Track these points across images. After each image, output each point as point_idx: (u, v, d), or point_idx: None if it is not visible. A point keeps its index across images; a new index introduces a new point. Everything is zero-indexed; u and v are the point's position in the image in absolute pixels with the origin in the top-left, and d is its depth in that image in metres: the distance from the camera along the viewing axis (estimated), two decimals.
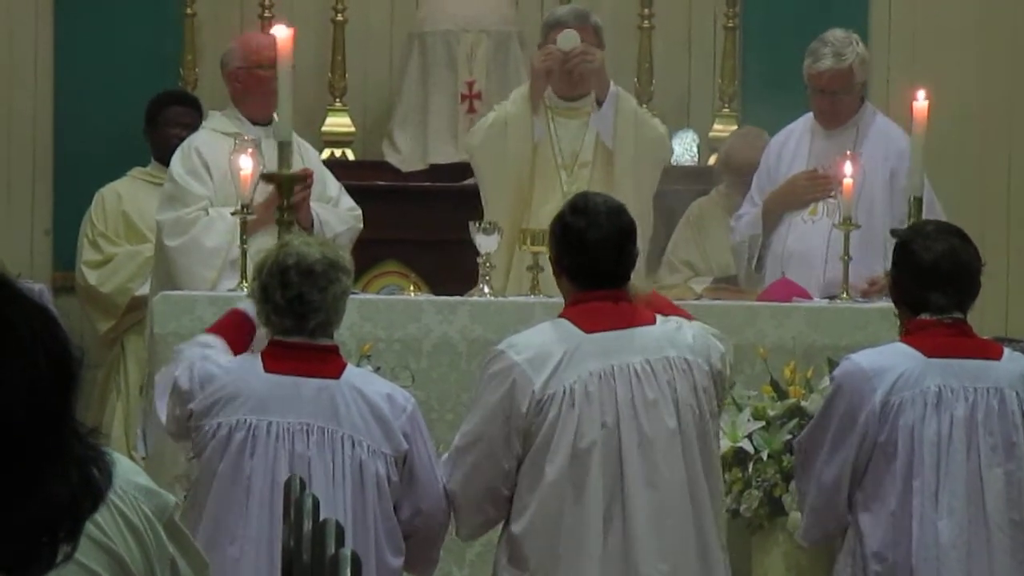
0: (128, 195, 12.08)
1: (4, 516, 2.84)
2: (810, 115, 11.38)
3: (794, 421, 9.38)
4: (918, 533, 7.76)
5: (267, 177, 9.69)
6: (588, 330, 7.74)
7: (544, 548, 7.70)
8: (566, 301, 7.96)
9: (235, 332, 8.06)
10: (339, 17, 13.39)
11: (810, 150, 11.22)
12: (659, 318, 8.06)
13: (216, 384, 7.82)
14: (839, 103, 11.15)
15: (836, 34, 11.36)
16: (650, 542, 7.67)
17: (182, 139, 11.48)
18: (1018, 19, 13.80)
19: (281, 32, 10.17)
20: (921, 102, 9.86)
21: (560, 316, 7.91)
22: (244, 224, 9.59)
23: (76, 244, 12.25)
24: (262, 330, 8.04)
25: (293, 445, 7.63)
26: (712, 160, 12.93)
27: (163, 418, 8.13)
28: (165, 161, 11.49)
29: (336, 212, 10.39)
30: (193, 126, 11.79)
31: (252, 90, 10.84)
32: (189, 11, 13.39)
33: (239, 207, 9.75)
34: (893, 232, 9.43)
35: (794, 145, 11.41)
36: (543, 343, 7.79)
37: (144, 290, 10.94)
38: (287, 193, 9.63)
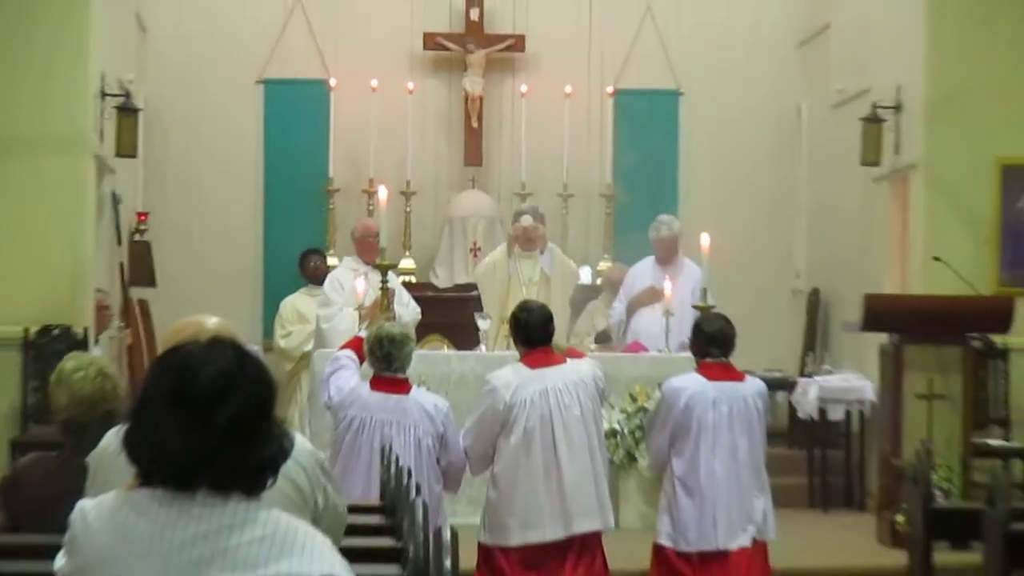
0: (298, 301, 12.06)
1: (246, 464, 3.01)
2: (651, 257, 11.32)
3: (641, 414, 9.41)
4: (704, 469, 7.77)
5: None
6: (532, 367, 7.77)
7: (509, 479, 7.69)
8: (520, 354, 7.95)
9: (358, 347, 8.07)
10: (408, 209, 13.31)
11: (652, 276, 11.13)
12: (568, 360, 8.10)
13: (347, 396, 7.84)
14: (670, 253, 11.13)
15: (664, 217, 11.40)
16: (569, 474, 7.67)
17: (318, 270, 12.03)
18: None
19: (382, 192, 10.27)
20: (706, 241, 9.85)
21: (518, 361, 7.90)
22: (359, 317, 9.64)
23: (272, 326, 12.22)
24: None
25: (383, 430, 7.60)
26: (599, 282, 12.91)
27: (323, 396, 8.17)
28: (315, 282, 11.74)
29: (407, 310, 10.41)
30: (321, 265, 12.28)
31: (365, 248, 10.87)
32: (330, 207, 13.35)
33: (357, 307, 9.80)
34: (694, 306, 9.59)
35: (643, 273, 11.35)
36: (510, 375, 7.79)
37: (308, 348, 10.92)
38: (386, 297, 9.73)
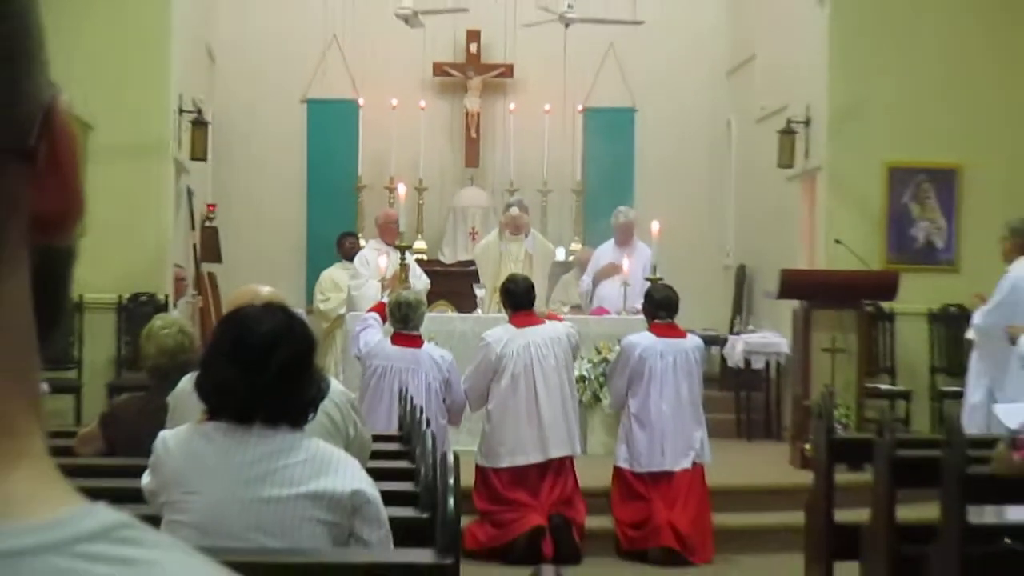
0: (334, 273, 11.75)
1: (292, 402, 3.01)
2: (612, 240, 11.18)
3: (604, 364, 9.26)
4: (654, 407, 7.75)
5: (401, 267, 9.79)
6: (518, 326, 7.77)
7: (499, 415, 7.71)
8: (508, 316, 7.93)
9: (382, 311, 8.02)
10: (420, 201, 13.15)
11: (612, 254, 11.01)
12: (546, 321, 8.12)
13: (372, 348, 7.82)
14: (627, 236, 10.98)
15: (622, 208, 11.24)
16: (547, 411, 7.67)
17: (352, 249, 11.60)
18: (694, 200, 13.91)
19: (400, 188, 10.46)
20: (655, 227, 9.83)
21: (507, 322, 7.90)
22: (382, 286, 9.59)
23: (313, 293, 12.01)
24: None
25: (401, 376, 7.55)
26: (571, 259, 12.69)
27: (354, 349, 8.20)
28: (348, 259, 11.39)
29: (420, 281, 10.20)
30: (355, 245, 11.82)
31: (386, 231, 10.68)
32: (359, 200, 13.29)
33: (380, 279, 9.77)
34: (646, 278, 9.52)
35: (605, 252, 11.22)
36: (500, 333, 7.78)
37: (342, 311, 10.72)
38: (403, 271, 9.72)
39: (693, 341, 8.12)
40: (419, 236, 13.24)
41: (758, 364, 11.17)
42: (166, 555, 0.56)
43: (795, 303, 9.79)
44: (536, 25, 13.15)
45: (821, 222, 10.84)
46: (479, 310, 10.24)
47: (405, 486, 4.13)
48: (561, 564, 6.66)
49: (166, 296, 10.36)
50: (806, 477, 7.50)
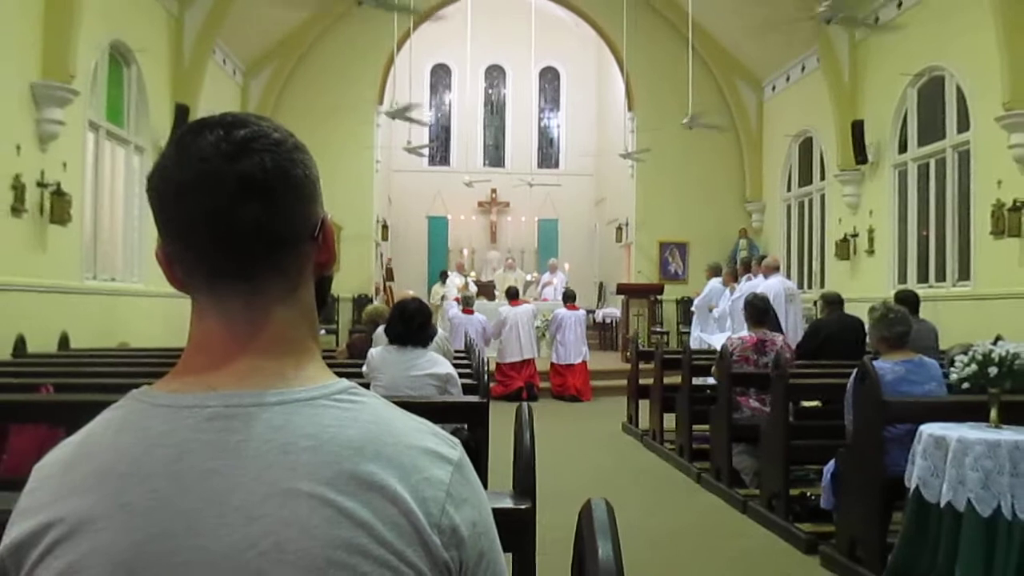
0: (437, 287, 11.18)
1: (423, 336, 2.88)
2: (548, 271, 10.87)
3: (547, 322, 8.81)
4: (567, 338, 7.54)
5: (464, 284, 9.54)
6: (513, 306, 7.62)
7: (505, 341, 7.54)
8: (508, 302, 7.74)
9: (458, 299, 7.84)
10: (472, 257, 12.73)
11: (548, 277, 10.66)
12: (524, 304, 7.94)
13: (454, 316, 7.63)
14: (555, 270, 10.67)
15: (552, 258, 11.02)
16: (524, 339, 7.50)
17: (445, 276, 10.92)
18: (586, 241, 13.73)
19: (465, 252, 10.13)
20: (567, 266, 9.69)
21: (508, 304, 7.76)
22: (458, 290, 9.36)
23: (430, 293, 11.55)
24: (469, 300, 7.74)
25: (466, 327, 7.33)
26: (532, 280, 12.25)
27: (447, 315, 7.95)
28: (443, 281, 10.84)
29: (473, 287, 9.88)
30: (447, 274, 11.12)
31: (460, 269, 10.52)
32: (448, 256, 13.03)
33: (457, 287, 9.59)
34: (565, 287, 9.12)
35: (546, 276, 10.85)
36: (506, 309, 7.62)
37: (442, 302, 10.37)
38: (466, 285, 9.52)
39: (582, 311, 7.99)
40: (472, 270, 13.01)
41: (608, 320, 11.05)
42: (371, 400, 0.55)
43: (623, 296, 9.71)
44: (518, 186, 13.10)
45: (632, 263, 10.73)
46: (497, 299, 10.08)
47: (467, 370, 4.09)
48: (530, 402, 6.63)
49: (373, 296, 10.26)
50: (627, 366, 7.44)
